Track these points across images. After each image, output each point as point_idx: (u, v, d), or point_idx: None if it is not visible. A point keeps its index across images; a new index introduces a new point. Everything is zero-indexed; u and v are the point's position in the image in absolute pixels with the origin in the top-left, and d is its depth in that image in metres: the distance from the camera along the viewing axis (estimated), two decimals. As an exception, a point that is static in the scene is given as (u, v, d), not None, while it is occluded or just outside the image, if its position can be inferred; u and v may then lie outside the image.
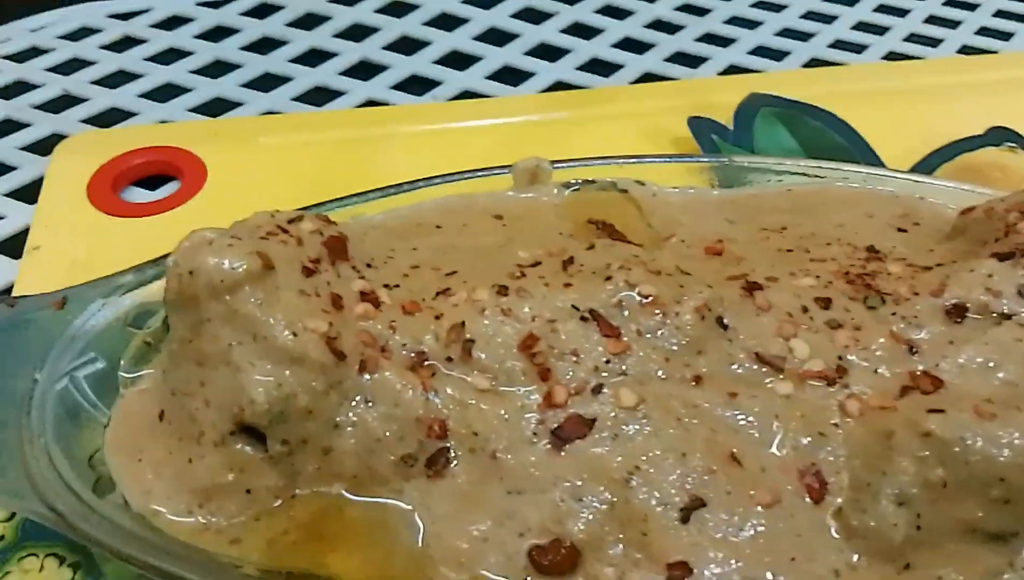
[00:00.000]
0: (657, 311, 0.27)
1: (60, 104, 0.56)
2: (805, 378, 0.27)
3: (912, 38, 0.64)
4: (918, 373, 0.26)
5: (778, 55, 0.61)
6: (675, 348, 0.27)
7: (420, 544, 0.25)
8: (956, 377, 0.26)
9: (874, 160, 0.50)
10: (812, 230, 0.33)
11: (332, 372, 0.25)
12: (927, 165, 0.49)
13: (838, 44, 0.64)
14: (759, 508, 0.24)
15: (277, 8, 0.64)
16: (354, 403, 0.26)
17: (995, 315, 0.28)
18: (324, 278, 0.27)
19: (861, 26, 0.66)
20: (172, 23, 0.63)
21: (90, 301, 0.30)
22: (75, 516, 0.25)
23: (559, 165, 0.37)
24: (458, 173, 0.36)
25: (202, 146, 0.50)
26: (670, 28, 0.64)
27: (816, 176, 0.38)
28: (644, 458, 0.25)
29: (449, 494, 0.25)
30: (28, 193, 0.49)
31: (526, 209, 0.35)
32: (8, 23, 0.62)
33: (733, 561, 0.24)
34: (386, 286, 0.29)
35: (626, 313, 0.27)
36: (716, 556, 0.24)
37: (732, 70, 0.60)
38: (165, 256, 0.28)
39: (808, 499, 0.25)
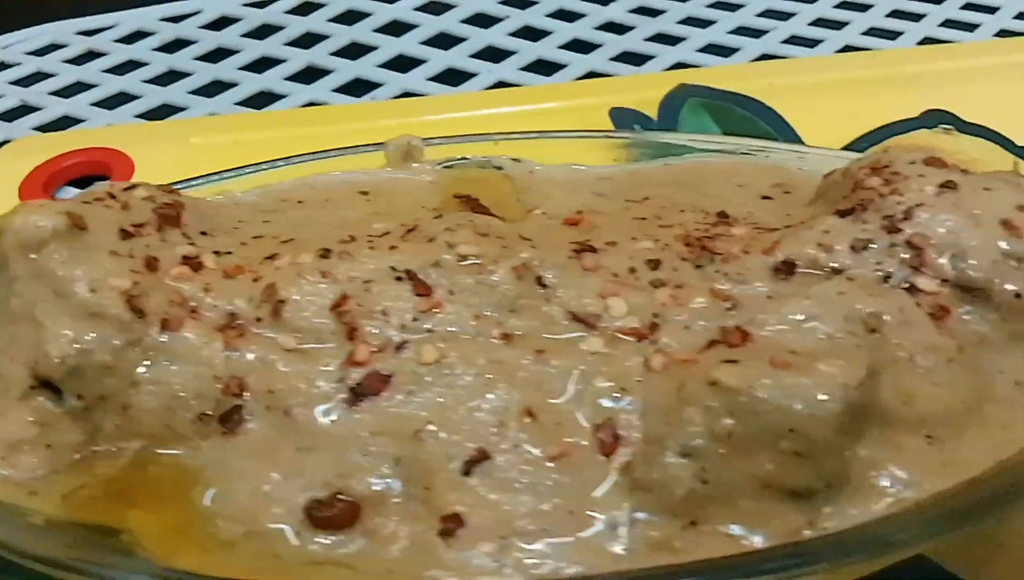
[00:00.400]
0: (476, 269, 0.27)
1: (14, 114, 0.58)
2: (617, 334, 0.26)
3: (872, 32, 0.64)
4: (730, 328, 0.25)
5: (727, 52, 0.61)
6: (487, 308, 0.26)
7: (209, 500, 0.25)
8: (769, 331, 0.25)
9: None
10: (674, 200, 0.32)
11: (130, 329, 0.26)
12: (856, 148, 0.48)
13: (792, 39, 0.63)
14: (547, 462, 0.24)
15: (233, 20, 0.66)
16: (153, 361, 0.26)
17: (825, 270, 0.26)
18: (143, 242, 0.28)
19: (819, 22, 0.65)
20: (134, 37, 0.65)
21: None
22: None
23: (434, 142, 0.37)
24: (334, 150, 0.36)
25: (135, 147, 0.51)
26: (620, 29, 0.64)
27: (719, 150, 0.37)
28: (437, 412, 0.25)
29: (243, 451, 0.25)
30: (-32, 194, 0.51)
31: (396, 186, 0.35)
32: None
33: (508, 512, 0.23)
34: (216, 253, 0.29)
35: (442, 271, 0.27)
36: (491, 507, 0.23)
37: (677, 67, 0.60)
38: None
39: (599, 453, 0.24)
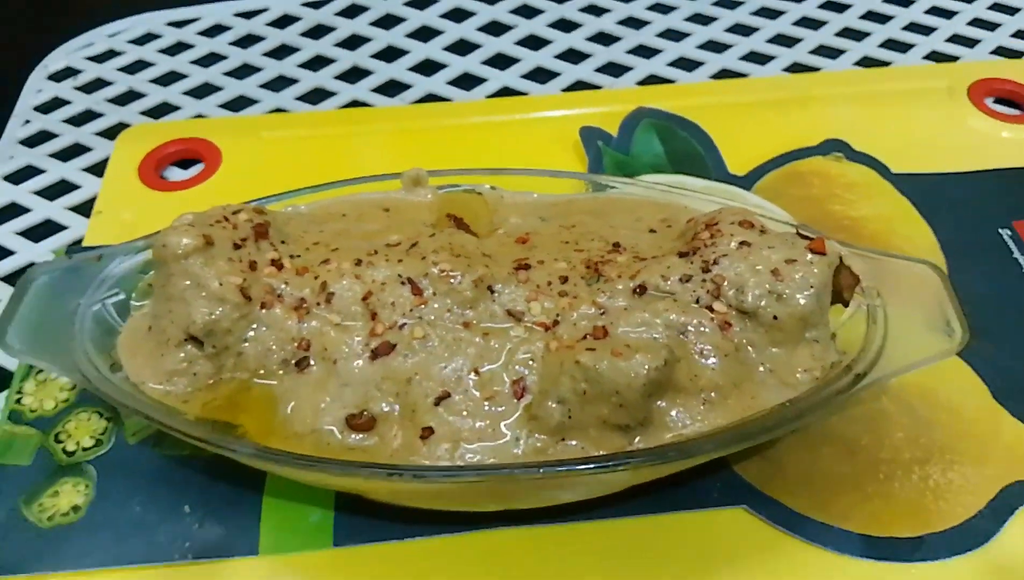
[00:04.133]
0: (450, 280, 0.43)
1: (125, 99, 0.74)
2: (533, 326, 0.42)
3: (819, 50, 0.76)
4: (598, 327, 0.41)
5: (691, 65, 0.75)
6: (455, 305, 0.43)
7: (289, 410, 0.42)
8: (619, 331, 0.41)
9: (720, 166, 0.63)
10: (592, 228, 0.48)
11: (243, 308, 0.43)
12: (761, 171, 0.62)
13: (750, 56, 0.76)
14: (484, 402, 0.41)
15: (294, 19, 0.81)
16: (255, 327, 0.43)
17: (663, 293, 0.42)
18: (247, 251, 0.44)
19: (777, 39, 0.78)
20: (214, 31, 0.80)
21: (117, 256, 0.48)
22: (98, 382, 0.43)
23: (437, 173, 0.53)
24: (365, 177, 0.52)
25: (221, 138, 0.67)
26: (607, 39, 0.78)
27: (642, 185, 0.52)
28: (422, 367, 0.42)
29: (307, 384, 0.42)
30: (98, 169, 0.68)
31: (407, 205, 0.51)
32: (90, 30, 0.80)
33: (459, 428, 0.40)
34: (291, 257, 0.46)
35: (429, 280, 0.43)
36: (450, 425, 0.40)
37: (651, 80, 0.74)
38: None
39: (513, 397, 0.41)
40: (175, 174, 0.69)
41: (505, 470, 0.39)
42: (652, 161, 0.63)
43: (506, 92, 0.75)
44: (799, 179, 0.61)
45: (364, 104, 0.72)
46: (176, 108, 0.73)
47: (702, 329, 0.41)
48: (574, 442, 0.40)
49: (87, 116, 0.74)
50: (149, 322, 0.45)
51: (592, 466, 0.38)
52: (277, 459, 0.39)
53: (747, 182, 0.61)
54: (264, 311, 0.43)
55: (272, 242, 0.46)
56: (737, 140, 0.64)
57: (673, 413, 0.40)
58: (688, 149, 0.64)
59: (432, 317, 0.43)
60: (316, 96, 0.73)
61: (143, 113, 0.72)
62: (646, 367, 0.38)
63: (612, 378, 0.39)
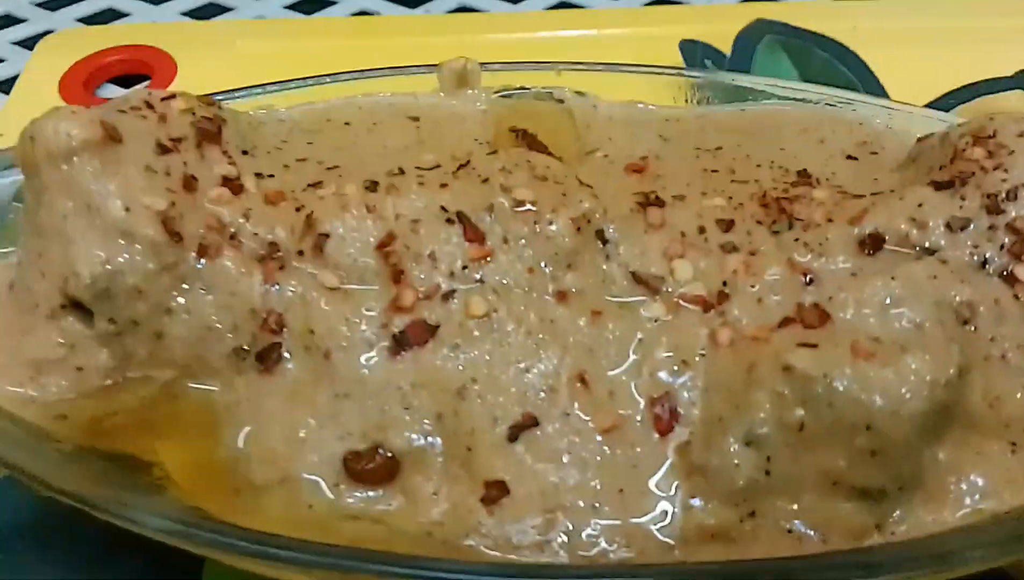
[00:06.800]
0: (532, 218, 0.25)
1: (58, 3, 0.56)
2: (681, 302, 0.24)
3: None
4: (806, 305, 0.23)
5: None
6: (542, 260, 0.25)
7: (242, 441, 0.24)
8: (851, 313, 0.23)
9: (883, 98, 0.45)
10: (748, 152, 0.30)
11: (165, 253, 0.24)
12: (942, 105, 0.44)
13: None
14: (597, 434, 0.22)
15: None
16: (188, 288, 0.24)
17: (916, 249, 0.24)
18: (181, 158, 0.26)
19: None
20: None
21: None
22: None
23: (492, 68, 0.34)
24: (385, 68, 0.34)
25: (179, 48, 0.49)
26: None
27: (801, 100, 0.34)
28: (484, 370, 0.23)
29: (278, 391, 0.24)
30: (8, 85, 0.50)
31: (448, 113, 0.33)
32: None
33: (555, 485, 0.22)
34: (258, 175, 0.27)
35: (496, 217, 0.25)
36: (538, 478, 0.22)
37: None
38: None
39: (654, 430, 0.22)
40: (113, 93, 0.49)
41: (648, 575, 0.20)
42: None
43: (564, 5, 0.56)
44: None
45: (374, 14, 0.54)
46: (124, 15, 0.54)
47: (1001, 313, 0.22)
48: (779, 520, 0.21)
49: (3, 22, 0.55)
50: (11, 277, 0.26)
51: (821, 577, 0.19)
52: (216, 541, 0.20)
53: (924, 121, 0.43)
54: (205, 262, 0.24)
55: (227, 151, 0.27)
56: (898, 66, 0.46)
57: (963, 468, 0.21)
58: (834, 75, 0.46)
59: (503, 280, 0.24)
60: (310, 5, 0.55)
61: (80, 20, 0.54)
62: (929, 381, 0.20)
63: (861, 400, 0.20)
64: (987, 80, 0.46)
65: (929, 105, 0.45)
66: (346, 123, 0.32)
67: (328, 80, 0.34)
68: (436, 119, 0.33)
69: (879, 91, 0.46)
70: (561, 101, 0.34)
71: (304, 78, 0.34)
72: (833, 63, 0.47)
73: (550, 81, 0.35)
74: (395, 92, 0.34)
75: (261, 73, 0.49)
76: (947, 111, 0.46)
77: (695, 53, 0.47)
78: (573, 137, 0.33)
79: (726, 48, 0.47)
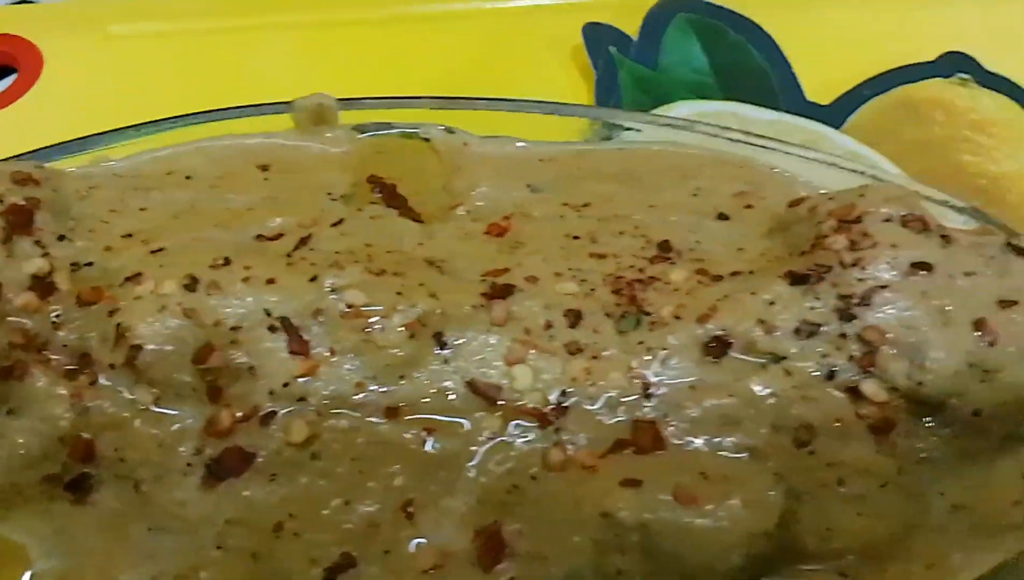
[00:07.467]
0: (362, 324, 0.23)
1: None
2: (517, 415, 0.23)
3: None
4: (643, 422, 0.22)
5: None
6: (373, 372, 0.23)
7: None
8: (685, 433, 0.22)
9: (793, 90, 0.42)
10: (617, 210, 0.28)
11: (-40, 379, 0.22)
12: (853, 99, 0.42)
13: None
14: (419, 572, 0.21)
15: None
16: (-6, 413, 0.23)
17: (764, 356, 0.23)
18: (-16, 256, 0.24)
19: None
20: None
21: None
22: None
23: (353, 103, 0.31)
24: (232, 109, 0.31)
25: (45, 36, 0.45)
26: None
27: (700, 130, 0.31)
28: (301, 505, 0.22)
29: (91, 525, 0.23)
30: None
31: (302, 158, 0.30)
32: None
33: (369, 637, 0.21)
34: (74, 266, 0.25)
35: (323, 324, 0.23)
36: (352, 630, 0.21)
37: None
38: None
39: (479, 567, 0.21)
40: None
41: None
42: (691, 78, 0.43)
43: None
44: (911, 112, 0.41)
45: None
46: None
47: (843, 434, 0.21)
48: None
49: None
50: None
51: None
52: None
53: (834, 115, 0.41)
54: (12, 382, 0.23)
55: (40, 240, 0.25)
56: (814, 49, 0.43)
57: (788, 607, 0.21)
58: (744, 61, 0.43)
59: (326, 401, 0.23)
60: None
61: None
62: (747, 534, 0.19)
63: (677, 553, 0.19)
64: (906, 66, 0.43)
65: (839, 99, 0.43)
66: (187, 177, 0.30)
67: (167, 125, 0.31)
68: (289, 166, 0.31)
69: (792, 82, 0.43)
70: (427, 140, 0.32)
71: (142, 124, 0.30)
72: (746, 47, 0.44)
73: (419, 116, 0.32)
74: (247, 134, 0.32)
75: (136, 61, 0.46)
76: (862, 103, 0.44)
77: (599, 37, 0.43)
78: (438, 184, 0.31)
79: (633, 31, 0.44)
